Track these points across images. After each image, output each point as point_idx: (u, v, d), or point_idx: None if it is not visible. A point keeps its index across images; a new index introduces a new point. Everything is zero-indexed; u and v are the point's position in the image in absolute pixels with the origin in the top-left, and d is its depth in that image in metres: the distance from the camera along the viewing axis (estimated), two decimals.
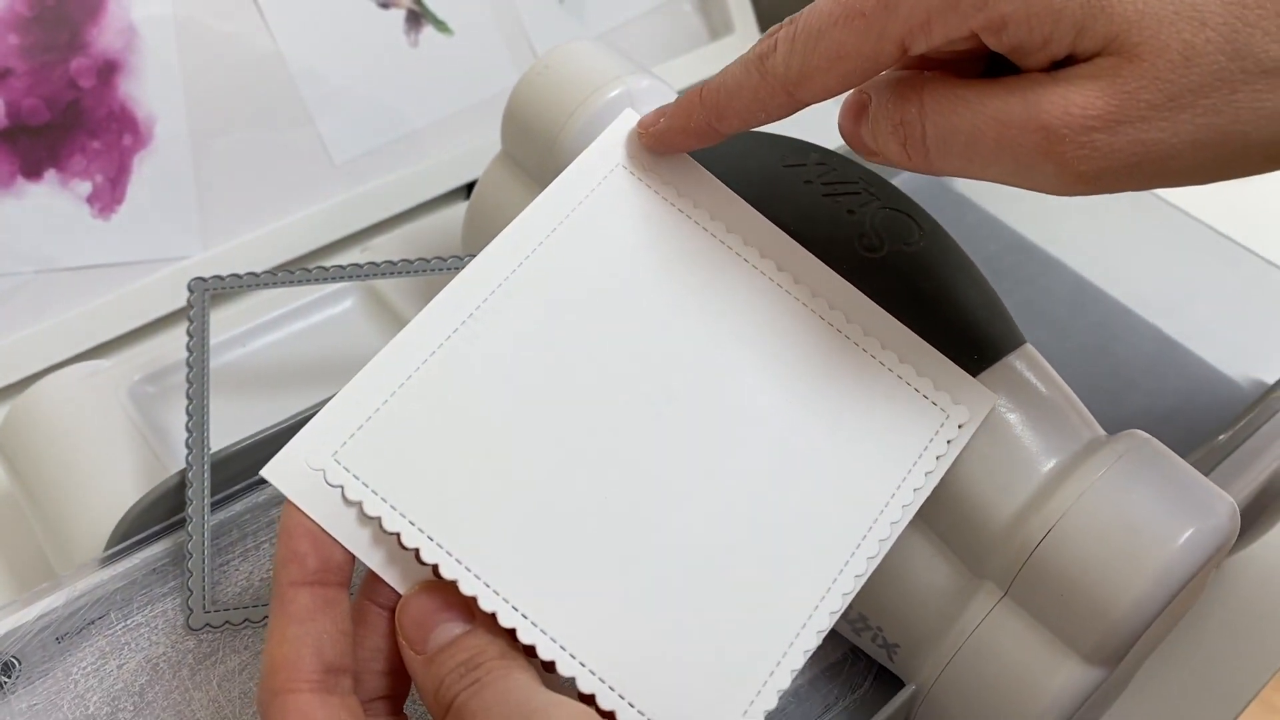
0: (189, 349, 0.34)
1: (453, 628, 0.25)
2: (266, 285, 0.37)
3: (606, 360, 0.27)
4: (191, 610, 0.31)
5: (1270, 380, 0.42)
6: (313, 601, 0.24)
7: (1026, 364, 0.29)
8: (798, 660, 0.25)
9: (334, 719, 0.23)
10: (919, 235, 0.30)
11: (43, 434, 0.38)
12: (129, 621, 0.32)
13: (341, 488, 0.25)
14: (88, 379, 0.40)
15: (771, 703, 0.25)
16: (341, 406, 0.26)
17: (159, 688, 0.31)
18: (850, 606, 0.31)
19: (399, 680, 0.26)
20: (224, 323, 0.45)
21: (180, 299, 0.50)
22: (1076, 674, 0.27)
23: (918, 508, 0.27)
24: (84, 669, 0.31)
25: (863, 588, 0.31)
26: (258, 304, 0.47)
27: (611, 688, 0.24)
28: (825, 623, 0.26)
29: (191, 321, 0.35)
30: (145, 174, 0.49)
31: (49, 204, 0.47)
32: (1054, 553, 0.27)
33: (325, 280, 0.36)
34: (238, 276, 0.37)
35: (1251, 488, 0.41)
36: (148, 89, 0.49)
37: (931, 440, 0.27)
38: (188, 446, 0.33)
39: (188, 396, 0.34)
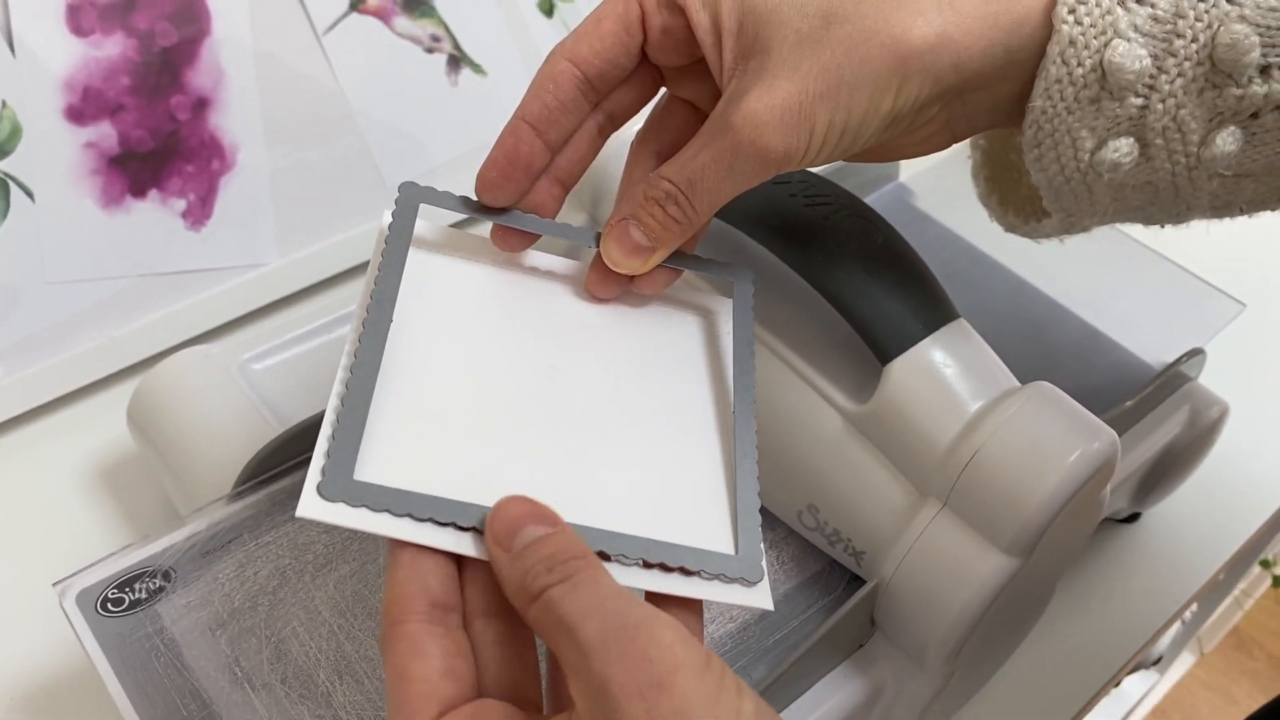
0: (386, 243, 0.34)
1: (538, 530, 0.27)
2: (476, 213, 0.35)
3: (501, 356, 0.33)
4: (325, 477, 0.28)
5: (1172, 360, 0.51)
6: (419, 551, 0.28)
7: (959, 332, 0.38)
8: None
9: (437, 645, 0.26)
10: (878, 236, 0.39)
11: (169, 404, 0.47)
12: (260, 541, 0.40)
13: (365, 506, 0.28)
14: (203, 359, 0.48)
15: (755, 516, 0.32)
16: (336, 433, 0.29)
17: (288, 589, 0.39)
18: (826, 523, 0.40)
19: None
20: (304, 318, 0.53)
21: (262, 299, 0.59)
22: (998, 563, 0.36)
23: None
24: (228, 575, 0.39)
25: (835, 508, 0.39)
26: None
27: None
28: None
29: (395, 220, 0.34)
30: (230, 193, 0.58)
31: (151, 219, 0.56)
32: (979, 470, 0.36)
33: (551, 232, 0.36)
34: (451, 195, 0.36)
35: (1156, 448, 0.50)
36: (233, 121, 0.57)
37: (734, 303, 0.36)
38: (363, 326, 0.32)
39: (373, 284, 0.33)
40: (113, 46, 0.54)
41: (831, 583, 0.42)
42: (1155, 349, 0.53)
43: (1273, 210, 0.34)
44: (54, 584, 0.38)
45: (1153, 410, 0.51)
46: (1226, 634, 1.45)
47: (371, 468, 0.29)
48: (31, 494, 0.51)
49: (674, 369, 0.36)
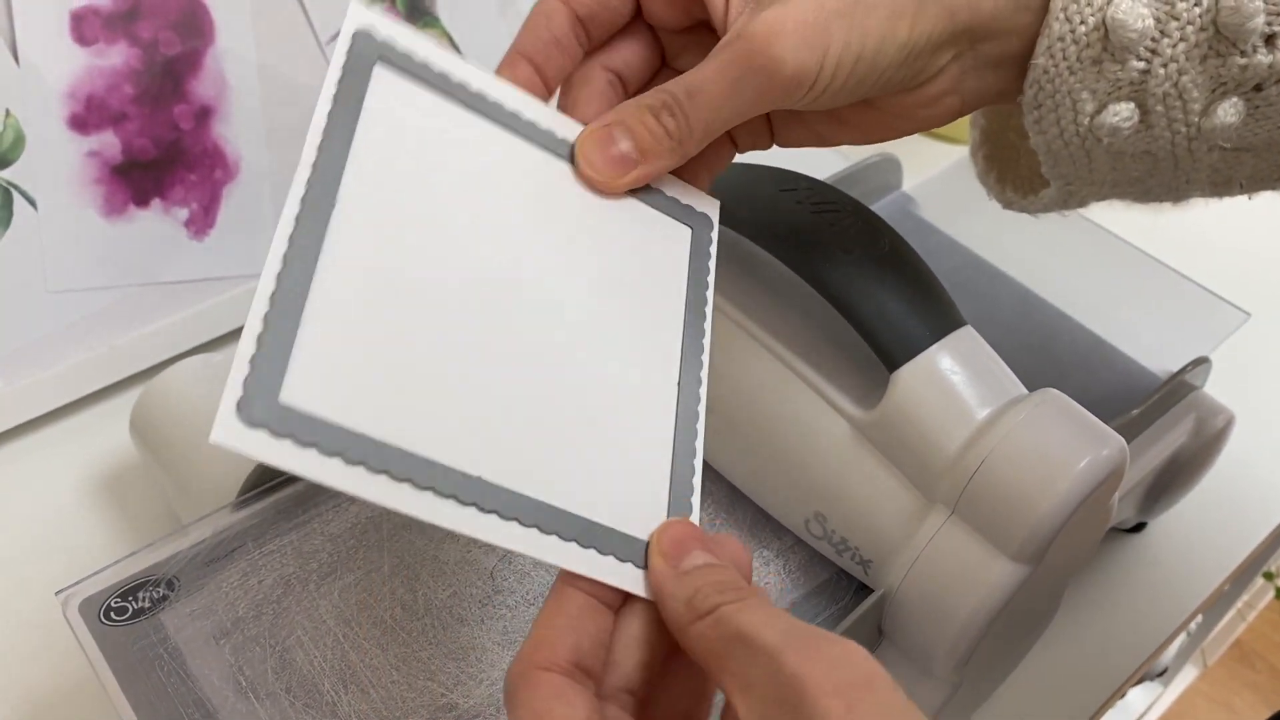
0: (333, 103, 0.29)
1: (704, 556, 0.28)
2: (440, 89, 0.31)
3: (460, 257, 0.29)
4: (245, 394, 0.25)
5: (1177, 368, 0.51)
6: (585, 604, 0.28)
7: (967, 339, 0.38)
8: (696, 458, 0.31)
9: (582, 699, 0.26)
10: (884, 243, 0.39)
11: (172, 413, 0.47)
12: (264, 549, 0.40)
13: (290, 438, 0.24)
14: (206, 368, 0.48)
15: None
16: (262, 342, 0.25)
17: (292, 598, 0.39)
18: (834, 531, 0.40)
19: (647, 673, 0.28)
20: None
21: None
22: (1007, 570, 0.36)
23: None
24: (232, 584, 0.39)
25: (843, 516, 0.39)
26: None
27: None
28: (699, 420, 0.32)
29: (345, 77, 0.29)
30: (233, 202, 0.58)
31: (153, 228, 0.56)
32: (988, 477, 0.36)
33: (516, 131, 0.32)
34: (413, 59, 0.30)
35: (1162, 457, 0.50)
36: (236, 130, 0.57)
37: (692, 248, 0.33)
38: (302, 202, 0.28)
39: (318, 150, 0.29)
40: (116, 56, 0.54)
41: (839, 592, 0.41)
42: (1160, 358, 0.53)
43: (1273, 189, 0.34)
44: (57, 593, 0.38)
45: (1158, 419, 0.50)
46: (1229, 646, 1.45)
47: (301, 389, 0.25)
48: (34, 503, 0.51)
49: (659, 298, 0.33)
